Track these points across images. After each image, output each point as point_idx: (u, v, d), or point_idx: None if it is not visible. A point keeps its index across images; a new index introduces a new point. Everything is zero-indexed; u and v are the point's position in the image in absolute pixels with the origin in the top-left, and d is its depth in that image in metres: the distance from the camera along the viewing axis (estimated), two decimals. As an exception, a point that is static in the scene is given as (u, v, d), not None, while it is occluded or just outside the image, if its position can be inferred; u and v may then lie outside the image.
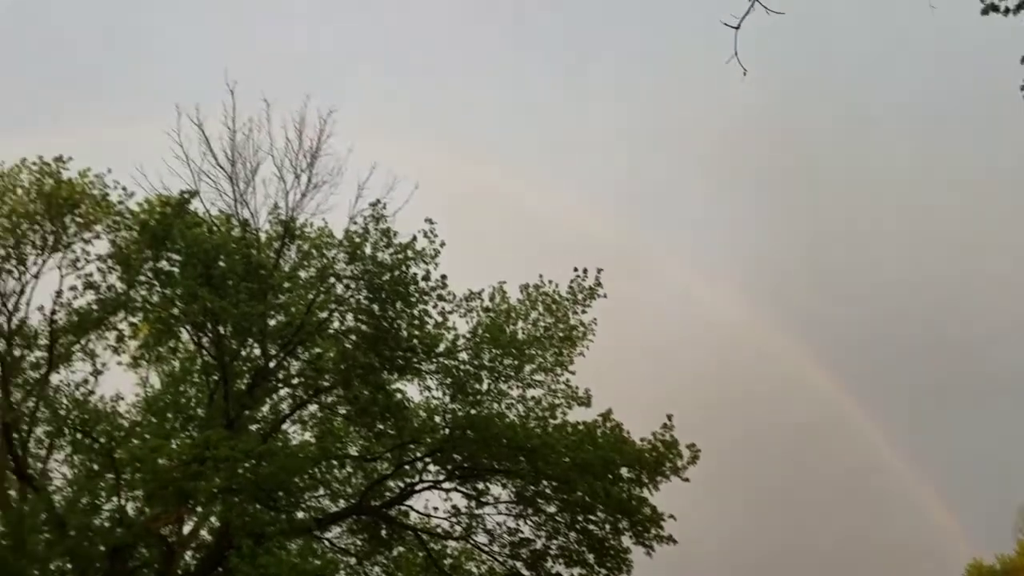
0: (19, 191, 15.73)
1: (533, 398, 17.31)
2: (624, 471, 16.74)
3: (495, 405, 17.11)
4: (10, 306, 16.00)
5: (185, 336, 16.55)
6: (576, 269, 17.37)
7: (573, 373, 17.92)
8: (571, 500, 16.81)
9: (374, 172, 15.73)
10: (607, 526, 16.66)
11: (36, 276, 15.96)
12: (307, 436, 17.89)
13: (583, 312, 17.53)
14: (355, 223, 15.54)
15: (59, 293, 15.79)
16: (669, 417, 16.98)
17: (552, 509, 17.17)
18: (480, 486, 17.35)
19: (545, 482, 16.95)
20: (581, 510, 16.72)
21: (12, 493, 16.24)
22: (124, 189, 16.07)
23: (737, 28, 6.20)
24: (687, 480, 16.97)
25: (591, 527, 16.72)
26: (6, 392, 16.04)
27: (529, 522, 17.24)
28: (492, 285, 17.05)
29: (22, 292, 16.03)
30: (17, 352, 16.16)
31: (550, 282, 17.40)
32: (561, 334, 17.32)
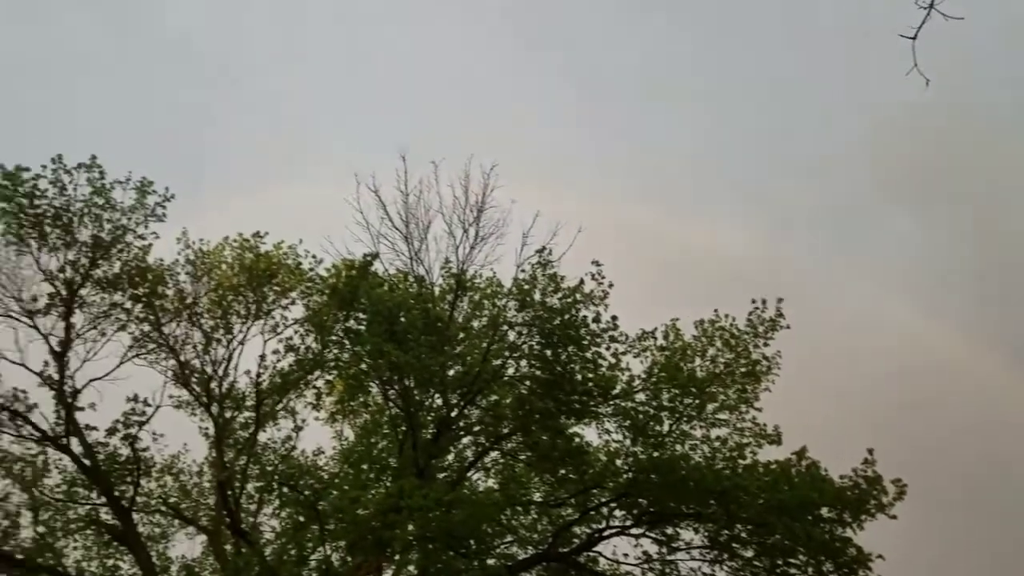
0: (224, 266, 17.31)
1: (719, 438, 16.70)
2: (824, 511, 15.71)
3: (678, 447, 16.65)
4: (220, 372, 17.51)
5: (374, 390, 17.40)
6: (754, 300, 16.75)
7: (760, 410, 17.19)
8: (769, 543, 15.93)
9: (537, 219, 16.19)
10: (810, 569, 15.58)
11: (242, 343, 17.41)
12: (491, 483, 18.17)
13: (765, 345, 16.82)
14: (523, 271, 15.88)
15: (262, 357, 17.11)
16: (870, 452, 15.86)
17: (749, 553, 16.32)
18: (670, 531, 16.83)
19: (740, 525, 16.20)
20: (781, 554, 15.76)
21: (228, 547, 17.53)
22: (314, 257, 17.36)
23: (914, 39, 5.84)
24: (894, 517, 15.67)
25: (793, 571, 15.69)
26: (220, 452, 17.45)
27: (726, 567, 16.45)
28: (665, 323, 16.76)
29: (230, 359, 17.53)
30: (228, 414, 17.59)
31: (726, 316, 16.86)
32: (743, 369, 16.66)
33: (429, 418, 16.75)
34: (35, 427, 16.05)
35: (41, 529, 16.68)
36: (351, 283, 16.05)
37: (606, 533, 16.81)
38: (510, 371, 16.17)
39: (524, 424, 15.76)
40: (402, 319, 15.90)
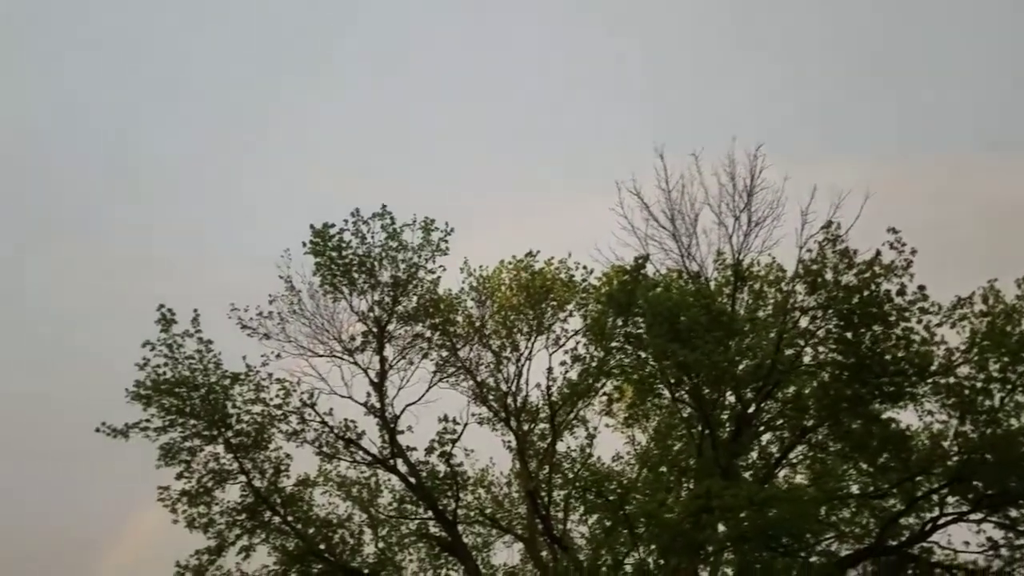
0: (503, 288, 18.18)
1: (1064, 406, 14.65)
2: None
3: (1014, 420, 14.82)
4: (513, 388, 18.39)
5: (664, 392, 17.30)
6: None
7: (1109, 370, 14.82)
8: None
9: (816, 193, 15.30)
10: None
11: (529, 358, 18.16)
12: (799, 478, 17.34)
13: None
14: (808, 251, 14.99)
15: (550, 370, 17.73)
16: None
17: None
18: (1014, 514, 15.07)
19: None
20: None
21: (543, 554, 18.32)
22: (584, 268, 17.71)
23: None
24: None
25: None
26: (523, 463, 18.31)
27: (1094, 551, 14.45)
28: (981, 286, 14.98)
29: (520, 374, 18.36)
30: (526, 426, 18.41)
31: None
32: (1086, 324, 14.47)
33: (724, 416, 16.35)
34: (366, 452, 17.92)
35: (381, 545, 18.50)
36: (625, 289, 16.12)
37: (940, 521, 15.38)
38: (807, 359, 15.32)
39: (831, 413, 14.84)
40: (682, 318, 15.67)
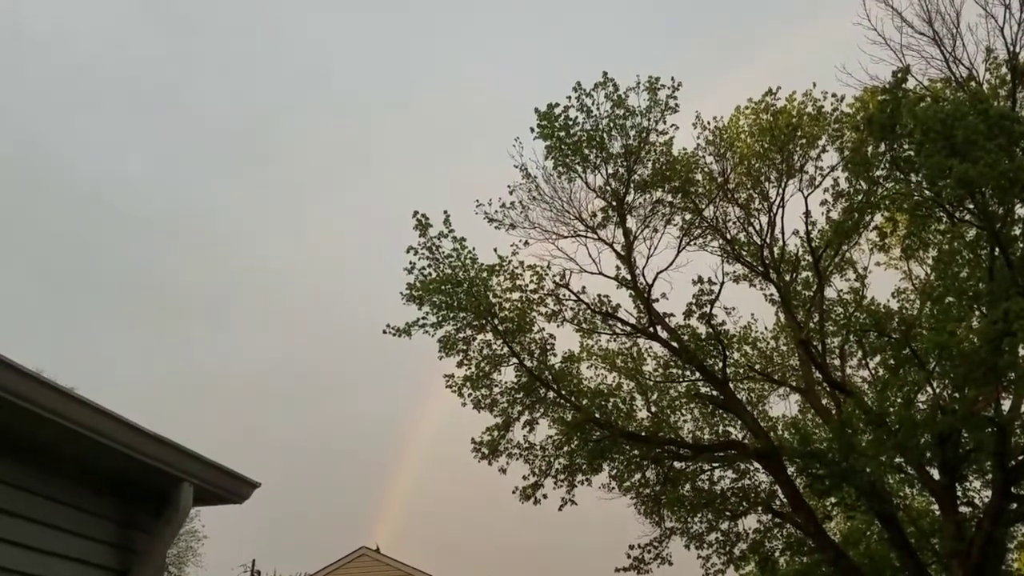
0: (742, 136, 17.24)
1: None
2: None
3: None
4: (767, 239, 17.67)
5: (941, 216, 15.81)
6: None
7: None
8: None
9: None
10: None
11: (781, 205, 17.28)
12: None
13: None
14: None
15: (807, 213, 16.75)
16: None
17: None
18: None
19: None
20: None
21: (824, 402, 17.81)
22: (833, 95, 16.31)
23: None
24: None
25: None
26: (790, 314, 17.70)
27: None
28: None
29: (773, 224, 17.58)
30: (787, 277, 17.69)
31: None
32: None
33: (1016, 232, 14.68)
34: (623, 323, 18.21)
35: (653, 409, 18.89)
36: (886, 108, 14.66)
37: None
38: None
39: None
40: (957, 130, 14.03)
